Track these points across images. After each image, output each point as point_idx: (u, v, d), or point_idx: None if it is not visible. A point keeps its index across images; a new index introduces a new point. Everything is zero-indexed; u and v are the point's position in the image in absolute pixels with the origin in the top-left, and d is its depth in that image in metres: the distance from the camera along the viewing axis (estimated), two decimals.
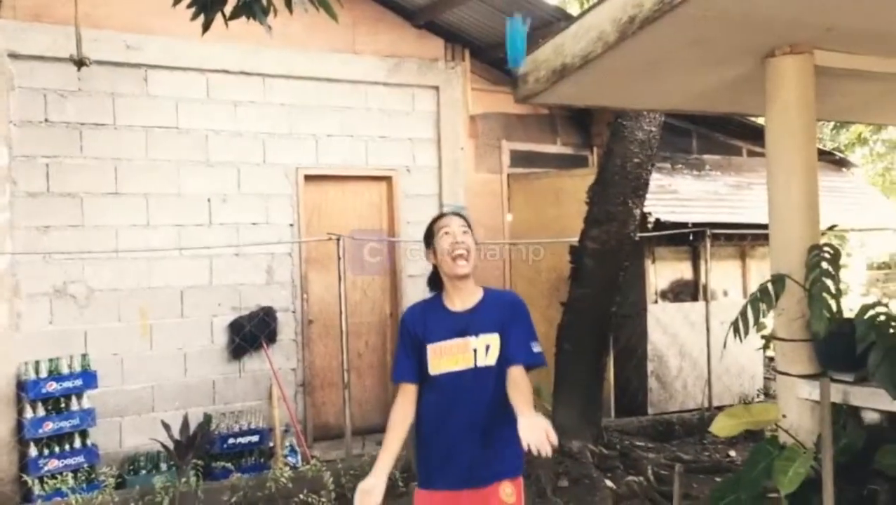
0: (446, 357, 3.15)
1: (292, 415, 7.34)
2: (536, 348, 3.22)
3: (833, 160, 10.40)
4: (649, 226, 8.01)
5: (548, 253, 8.50)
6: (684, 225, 8.14)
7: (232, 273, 7.41)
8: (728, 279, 9.00)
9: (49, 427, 6.20)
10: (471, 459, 3.11)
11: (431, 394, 3.19)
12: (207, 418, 6.79)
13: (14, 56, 6.56)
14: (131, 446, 6.91)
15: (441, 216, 3.37)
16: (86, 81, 6.71)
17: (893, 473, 3.62)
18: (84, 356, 6.52)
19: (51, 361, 6.34)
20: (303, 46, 7.63)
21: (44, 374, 6.27)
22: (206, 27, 4.07)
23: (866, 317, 3.78)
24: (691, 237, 8.48)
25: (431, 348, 3.18)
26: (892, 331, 3.76)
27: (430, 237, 3.29)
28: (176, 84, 7.22)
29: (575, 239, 7.04)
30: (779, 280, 4.06)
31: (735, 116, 8.94)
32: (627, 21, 3.79)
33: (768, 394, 8.66)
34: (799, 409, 4.09)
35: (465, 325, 3.17)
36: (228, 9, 3.98)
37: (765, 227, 4.33)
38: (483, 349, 3.13)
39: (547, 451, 2.69)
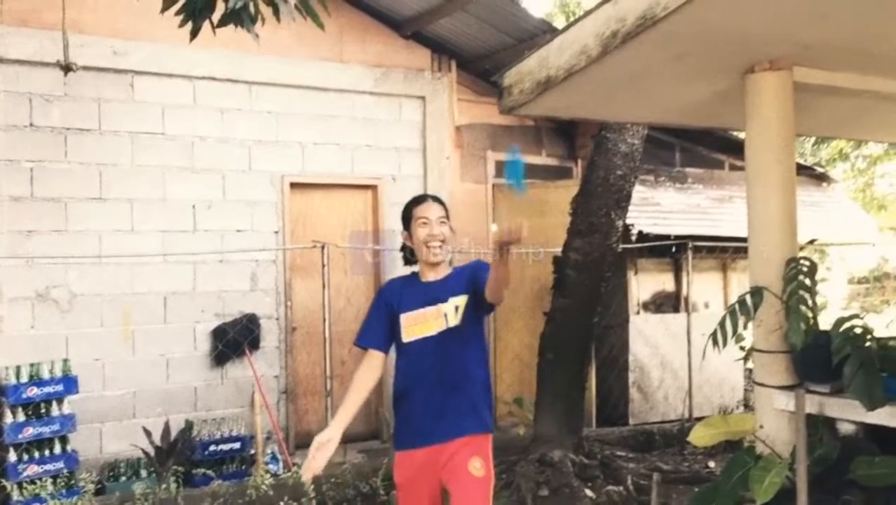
0: (419, 324, 3.34)
1: (274, 422, 7.34)
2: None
3: (813, 175, 10.51)
4: (632, 238, 8.07)
5: (531, 263, 8.54)
6: (667, 237, 8.22)
7: (216, 280, 7.42)
8: (709, 291, 9.07)
9: (29, 432, 6.17)
10: (442, 414, 3.29)
11: (403, 360, 3.40)
12: (189, 425, 6.78)
13: (0, 60, 6.56)
14: (111, 452, 6.89)
15: (420, 200, 3.51)
16: (72, 86, 6.72)
17: (867, 483, 3.67)
18: (65, 361, 6.49)
19: (32, 365, 6.31)
20: (290, 54, 7.66)
21: (24, 378, 6.24)
22: (193, 34, 4.10)
23: (842, 329, 3.84)
24: (673, 249, 8.56)
25: (404, 318, 3.36)
26: (867, 343, 3.83)
27: (407, 220, 3.48)
28: (162, 90, 7.24)
29: (559, 250, 7.09)
30: (757, 292, 4.12)
31: (717, 130, 9.03)
32: (610, 35, 3.84)
33: (748, 405, 8.73)
34: (776, 419, 4.14)
35: (437, 293, 3.37)
36: (216, 16, 4.01)
37: (746, 240, 4.39)
38: (452, 311, 3.32)
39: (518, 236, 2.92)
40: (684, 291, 8.67)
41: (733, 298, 8.25)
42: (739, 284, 8.99)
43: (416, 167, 8.46)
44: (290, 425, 7.73)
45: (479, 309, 3.38)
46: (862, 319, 3.98)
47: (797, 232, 4.37)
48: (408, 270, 3.62)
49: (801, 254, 4.32)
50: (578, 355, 6.97)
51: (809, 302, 3.98)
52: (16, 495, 6.00)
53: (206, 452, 6.78)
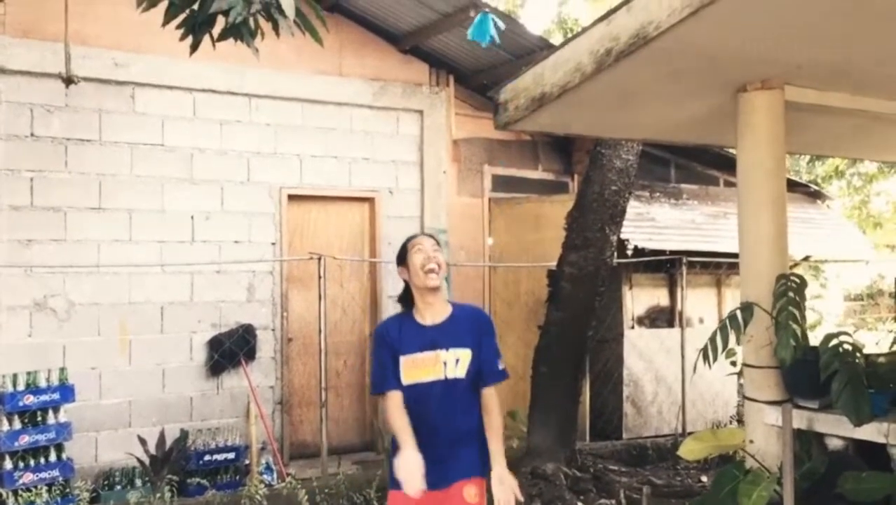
0: (418, 368, 3.37)
1: (269, 433, 7.37)
2: (501, 365, 3.54)
3: (808, 192, 10.59)
4: (628, 252, 8.14)
5: (527, 277, 8.61)
6: (661, 252, 8.28)
7: (213, 290, 7.46)
8: (704, 307, 9.13)
9: (25, 440, 6.19)
10: (439, 460, 3.30)
11: (404, 402, 3.38)
12: (184, 434, 6.81)
13: (2, 71, 6.62)
14: (107, 461, 6.91)
15: (414, 236, 3.59)
16: (73, 97, 6.78)
17: (855, 497, 3.71)
18: (62, 370, 6.51)
19: (29, 373, 6.33)
20: (290, 68, 7.73)
21: (21, 386, 6.26)
22: (194, 48, 4.16)
23: (830, 345, 3.89)
24: (668, 265, 8.62)
25: (404, 360, 3.38)
26: (855, 360, 3.88)
27: (403, 255, 3.51)
28: (162, 102, 7.30)
29: (554, 264, 7.15)
30: (747, 308, 4.17)
31: (711, 147, 9.11)
32: (604, 53, 3.91)
33: (741, 420, 8.75)
34: (766, 434, 4.19)
35: (435, 339, 3.40)
36: (216, 30, 4.07)
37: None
38: (453, 362, 3.37)
39: None
40: (679, 306, 8.72)
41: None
42: (734, 299, 9.03)
43: (413, 180, 8.52)
44: (284, 436, 7.75)
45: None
46: (850, 335, 4.04)
47: (787, 249, 4.44)
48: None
49: (795, 270, 4.38)
50: (572, 369, 7.02)
51: (799, 318, 4.04)
52: (11, 503, 6.01)
53: (201, 462, 6.80)
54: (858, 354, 3.90)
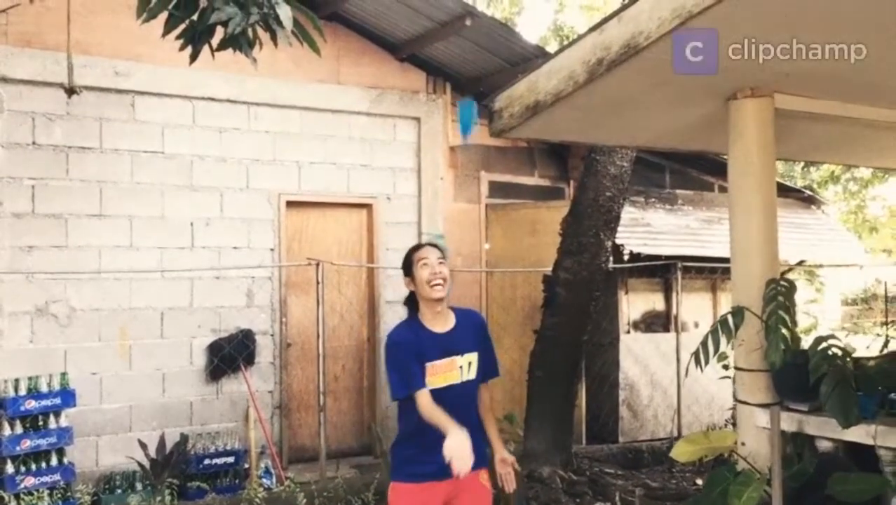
0: (439, 375, 3.59)
1: (268, 437, 7.44)
2: (496, 363, 3.90)
3: (802, 198, 10.68)
4: (624, 258, 8.21)
5: (523, 282, 8.68)
6: (657, 257, 8.36)
7: (212, 296, 7.53)
8: (699, 311, 9.20)
9: (26, 444, 6.25)
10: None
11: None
12: (184, 438, 6.87)
13: (4, 80, 6.70)
14: (107, 465, 6.97)
15: (419, 247, 3.74)
16: (74, 106, 6.84)
17: (844, 498, 3.77)
18: (63, 375, 6.58)
19: (30, 379, 6.40)
20: (288, 76, 7.81)
21: (23, 391, 6.33)
22: (193, 58, 4.22)
23: (819, 349, 3.96)
24: (663, 269, 8.70)
25: (428, 367, 3.58)
26: (846, 363, 3.95)
27: (408, 266, 3.68)
28: (162, 110, 7.38)
29: (549, 269, 7.22)
30: (738, 312, 4.24)
31: (705, 153, 9.19)
32: (596, 63, 3.99)
33: (736, 423, 8.81)
34: (757, 436, 4.26)
35: (450, 345, 3.64)
36: (216, 40, 4.15)
37: None
38: (467, 366, 3.66)
39: (513, 486, 3.65)
40: (674, 311, 8.80)
41: None
42: (729, 304, 9.07)
43: (410, 187, 8.60)
44: (283, 440, 7.82)
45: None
46: (839, 339, 4.11)
47: (777, 254, 4.51)
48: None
49: (790, 275, 4.44)
50: (568, 373, 7.09)
51: (788, 322, 4.11)
52: None
53: (201, 466, 6.87)
54: (847, 358, 3.97)
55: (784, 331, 4.06)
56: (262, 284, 7.78)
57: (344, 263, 8.08)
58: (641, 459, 8.02)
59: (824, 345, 3.97)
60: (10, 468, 6.19)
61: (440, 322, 3.66)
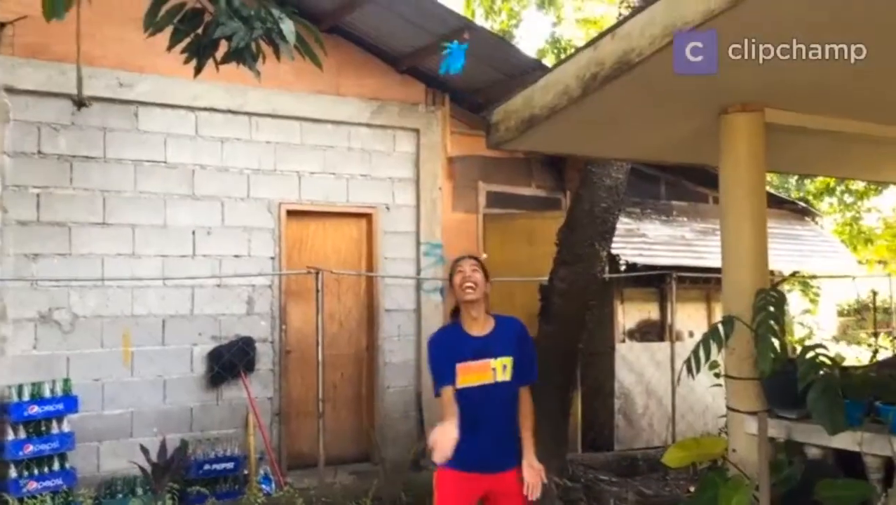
0: (471, 374, 3.94)
1: (267, 443, 7.52)
2: (534, 369, 4.17)
3: (796, 209, 10.79)
4: (621, 268, 8.31)
5: (521, 291, 8.76)
6: (652, 267, 8.46)
7: (213, 303, 7.63)
8: (693, 321, 9.31)
9: (29, 449, 6.36)
10: (490, 450, 3.94)
11: (458, 401, 3.93)
12: (184, 444, 6.96)
13: (10, 90, 6.81)
14: (109, 470, 7.04)
15: (458, 259, 4.18)
16: (79, 116, 6.96)
17: (831, 503, 3.86)
18: (66, 381, 6.69)
19: (34, 384, 6.51)
20: (289, 87, 7.92)
21: (26, 397, 6.43)
22: (198, 70, 4.32)
23: (807, 357, 4.05)
24: (658, 279, 8.80)
25: (459, 367, 3.94)
26: (835, 371, 4.04)
27: (451, 276, 4.13)
28: (165, 120, 7.49)
29: (546, 278, 7.32)
30: (728, 321, 4.32)
31: (699, 166, 9.30)
32: (590, 78, 4.09)
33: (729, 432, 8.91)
34: (747, 443, 4.32)
35: (484, 348, 3.98)
36: (219, 53, 4.24)
37: None
38: (500, 368, 3.98)
39: (537, 494, 3.85)
40: (669, 320, 8.90)
41: None
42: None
43: (409, 197, 8.71)
44: (282, 446, 7.90)
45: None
46: (826, 348, 4.20)
47: (767, 264, 4.60)
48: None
49: (783, 286, 4.53)
50: (563, 380, 7.17)
51: (778, 331, 4.21)
52: None
53: (201, 471, 6.96)
54: (834, 366, 4.06)
55: (773, 340, 4.16)
56: (263, 291, 7.88)
57: (343, 271, 8.18)
58: (636, 466, 8.10)
59: (812, 354, 4.04)
60: (13, 472, 6.29)
61: (478, 326, 4.01)
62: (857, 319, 16.97)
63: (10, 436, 6.33)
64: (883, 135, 4.99)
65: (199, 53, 4.27)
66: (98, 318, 7.14)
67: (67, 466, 6.56)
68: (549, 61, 12.52)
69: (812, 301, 14.77)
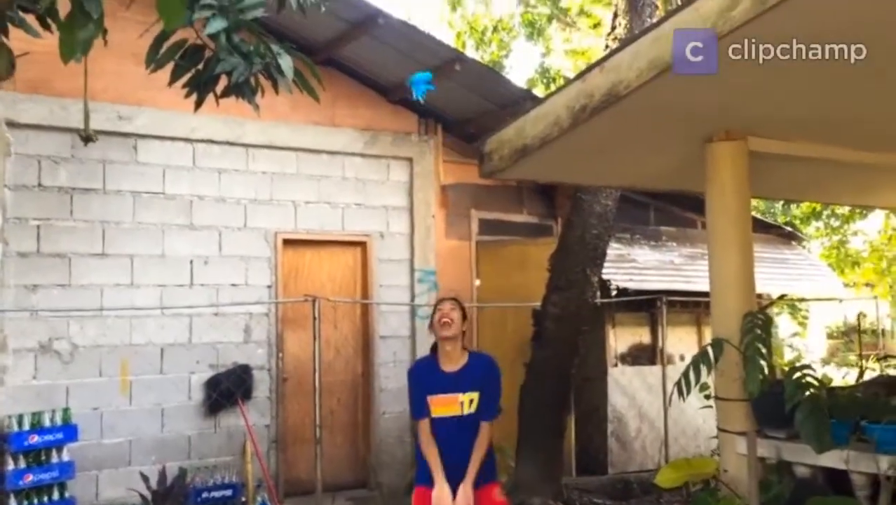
0: (441, 406, 4.37)
1: (265, 470, 7.56)
2: (496, 406, 4.49)
3: (782, 234, 10.96)
4: (612, 293, 8.43)
5: (513, 317, 8.88)
6: (643, 292, 8.59)
7: (211, 332, 7.71)
8: (684, 344, 9.42)
9: (29, 479, 6.38)
10: (461, 471, 4.30)
11: (432, 428, 4.40)
12: (182, 472, 7.00)
13: (12, 124, 6.92)
14: (107, 498, 7.08)
15: (440, 300, 4.59)
16: (79, 149, 7.05)
17: None
18: (66, 410, 6.73)
19: (34, 414, 6.55)
20: (286, 119, 8.06)
21: (27, 426, 6.46)
22: (198, 104, 4.42)
23: (794, 378, 4.17)
24: (649, 304, 8.92)
25: (431, 399, 4.38)
26: (821, 392, 4.15)
27: (432, 314, 4.50)
28: (164, 152, 7.61)
29: (538, 304, 7.44)
30: (717, 344, 4.43)
31: (687, 192, 9.46)
32: (580, 109, 4.25)
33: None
34: (738, 463, 4.41)
35: (454, 384, 4.37)
36: (219, 87, 4.36)
37: None
38: (468, 402, 4.38)
39: None
40: (660, 344, 9.00)
41: None
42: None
43: (403, 225, 8.84)
44: (279, 473, 7.94)
45: None
46: (813, 369, 4.32)
47: (754, 288, 4.73)
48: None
49: (771, 309, 4.64)
50: (556, 405, 7.28)
51: (765, 353, 4.32)
52: None
53: (199, 499, 7.00)
54: (821, 387, 4.17)
55: (761, 361, 4.27)
56: (260, 319, 7.96)
57: (339, 299, 8.28)
58: (630, 489, 8.17)
59: (798, 375, 4.16)
60: (13, 502, 6.31)
61: (451, 362, 4.41)
62: (845, 341, 17.09)
63: (11, 465, 6.36)
64: (865, 161, 5.15)
65: (200, 88, 4.38)
66: (97, 347, 7.21)
67: (67, 494, 6.59)
68: (538, 91, 12.73)
69: (801, 324, 14.90)
